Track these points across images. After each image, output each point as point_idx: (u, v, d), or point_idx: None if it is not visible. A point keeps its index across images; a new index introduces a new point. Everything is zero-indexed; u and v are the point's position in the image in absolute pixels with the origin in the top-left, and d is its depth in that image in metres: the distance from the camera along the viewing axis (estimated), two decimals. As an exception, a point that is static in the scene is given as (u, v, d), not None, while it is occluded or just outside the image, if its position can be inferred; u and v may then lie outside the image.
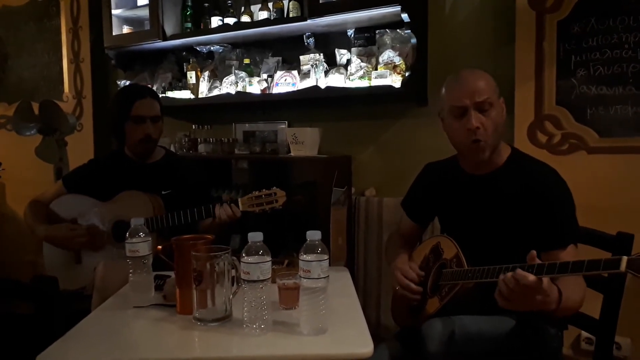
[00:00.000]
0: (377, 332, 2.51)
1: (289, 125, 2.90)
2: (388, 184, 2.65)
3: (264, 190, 1.88)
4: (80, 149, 3.31)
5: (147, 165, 2.16)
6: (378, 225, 2.58)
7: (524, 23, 2.19)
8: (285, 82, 2.66)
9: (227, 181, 3.05)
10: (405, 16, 2.26)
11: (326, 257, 1.21)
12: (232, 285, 1.33)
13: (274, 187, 1.88)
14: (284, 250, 2.07)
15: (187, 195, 2.10)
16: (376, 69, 2.45)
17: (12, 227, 3.79)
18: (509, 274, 1.20)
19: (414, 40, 2.37)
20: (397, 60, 2.41)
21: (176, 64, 3.20)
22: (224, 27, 2.81)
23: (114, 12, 3.18)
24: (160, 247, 1.52)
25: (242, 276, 1.21)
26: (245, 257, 1.21)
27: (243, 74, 2.79)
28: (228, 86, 2.81)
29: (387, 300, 2.45)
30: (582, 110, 2.12)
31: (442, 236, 1.62)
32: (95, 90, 3.60)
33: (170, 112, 3.01)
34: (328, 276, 1.21)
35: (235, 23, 2.80)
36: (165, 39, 2.95)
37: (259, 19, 2.72)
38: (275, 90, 2.68)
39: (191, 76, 2.99)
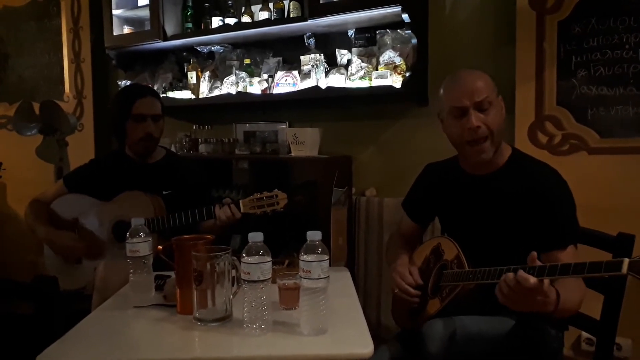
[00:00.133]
0: (377, 333, 2.51)
1: (290, 126, 2.90)
2: (388, 184, 2.65)
3: (265, 192, 1.88)
4: (81, 149, 3.31)
5: (148, 166, 2.16)
6: (378, 225, 2.58)
7: (525, 23, 2.19)
8: (286, 83, 2.66)
9: (227, 181, 3.05)
10: (405, 16, 2.25)
11: (326, 257, 1.21)
12: (233, 285, 1.33)
13: (275, 189, 1.88)
14: (285, 250, 2.07)
15: (187, 195, 2.10)
16: (377, 69, 2.45)
17: (12, 227, 3.79)
18: (511, 275, 1.19)
19: (414, 41, 2.37)
20: (398, 60, 2.41)
21: (177, 64, 3.20)
22: (225, 28, 2.81)
23: (115, 12, 3.18)
24: (160, 247, 1.52)
25: (243, 276, 1.21)
26: (246, 257, 1.21)
27: (244, 74, 2.79)
28: (229, 86, 2.81)
29: (387, 301, 2.45)
30: (583, 110, 2.11)
31: (443, 237, 1.62)
32: (95, 90, 3.60)
33: (171, 112, 3.01)
34: (328, 276, 1.21)
35: (235, 23, 2.80)
36: (165, 39, 2.95)
37: (260, 19, 2.72)
38: (276, 90, 2.68)
39: (192, 76, 2.99)
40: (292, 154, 2.57)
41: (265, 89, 2.72)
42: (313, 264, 1.19)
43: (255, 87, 2.73)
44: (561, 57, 2.14)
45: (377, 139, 2.69)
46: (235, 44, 2.96)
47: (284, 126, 2.91)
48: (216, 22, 2.86)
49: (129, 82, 3.14)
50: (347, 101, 2.67)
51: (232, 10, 2.87)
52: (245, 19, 2.76)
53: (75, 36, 3.60)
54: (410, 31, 2.33)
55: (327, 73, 2.58)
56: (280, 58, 2.84)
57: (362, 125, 2.73)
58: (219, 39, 2.90)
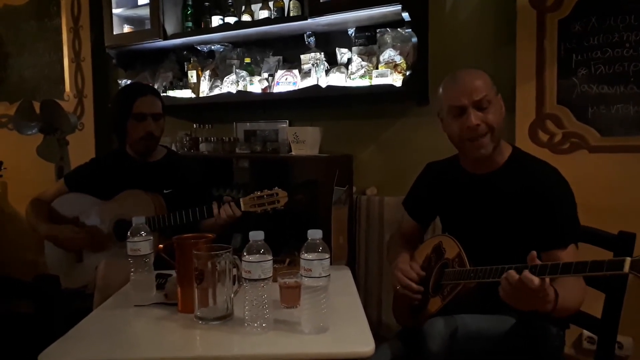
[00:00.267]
0: (378, 331, 2.51)
1: (290, 124, 2.90)
2: (389, 182, 2.65)
3: (265, 190, 1.88)
4: (82, 148, 3.31)
5: (149, 164, 2.16)
6: (379, 224, 2.58)
7: (525, 22, 2.19)
8: (286, 81, 2.66)
9: (228, 180, 3.05)
10: (406, 15, 2.25)
11: (327, 256, 1.21)
12: (234, 284, 1.33)
13: (276, 188, 1.88)
14: (285, 249, 2.07)
15: (188, 194, 2.10)
16: (377, 68, 2.45)
17: (13, 226, 3.78)
18: (515, 274, 1.19)
19: (414, 40, 2.36)
20: (398, 59, 2.41)
21: (177, 63, 3.20)
22: (225, 27, 2.81)
23: (115, 11, 3.18)
24: (161, 245, 1.52)
25: (244, 275, 1.21)
26: (247, 256, 1.21)
27: (244, 73, 2.79)
28: (229, 85, 2.81)
29: (388, 299, 2.45)
30: (584, 109, 2.11)
31: (444, 235, 1.62)
32: (96, 89, 3.60)
33: (171, 111, 3.00)
34: (329, 275, 1.21)
35: (236, 22, 2.80)
36: (166, 38, 2.95)
37: (260, 18, 2.72)
38: (276, 89, 2.68)
39: (192, 75, 2.99)
40: (293, 153, 2.57)
41: (266, 87, 2.72)
42: (314, 263, 1.19)
43: (256, 86, 2.73)
44: (562, 55, 2.14)
45: (377, 137, 2.69)
46: (235, 43, 2.96)
47: (284, 125, 2.91)
48: (216, 21, 2.86)
49: (129, 81, 3.15)
50: (347, 100, 2.67)
51: (232, 9, 2.87)
52: (246, 17, 2.76)
53: (76, 35, 3.60)
54: (410, 30, 2.33)
55: (327, 72, 2.58)
56: (281, 57, 2.84)
57: (363, 124, 2.73)
58: (219, 37, 2.90)
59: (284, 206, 1.87)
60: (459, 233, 1.58)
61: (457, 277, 1.45)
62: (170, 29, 2.96)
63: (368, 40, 2.57)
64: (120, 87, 3.06)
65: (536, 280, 1.16)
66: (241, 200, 1.89)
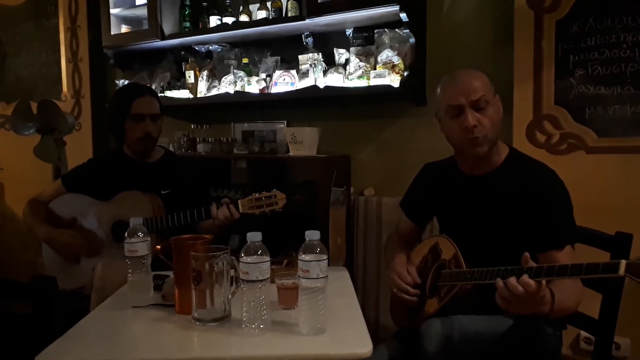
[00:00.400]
0: (376, 332, 2.51)
1: (288, 125, 2.90)
2: (387, 183, 2.65)
3: (264, 192, 1.88)
4: (79, 148, 3.31)
5: (147, 165, 2.16)
6: (377, 224, 2.58)
7: (523, 23, 2.19)
8: (284, 82, 2.65)
9: (226, 181, 3.04)
10: (403, 16, 2.26)
11: (325, 257, 1.21)
12: (231, 285, 1.33)
13: (274, 190, 1.88)
14: (283, 250, 2.07)
15: (186, 195, 2.10)
16: (375, 69, 2.45)
17: (11, 227, 3.79)
18: (513, 281, 1.19)
19: (412, 40, 2.37)
20: (396, 59, 2.41)
21: (175, 63, 3.20)
22: (223, 27, 2.81)
23: (112, 11, 3.17)
24: (159, 247, 1.51)
25: (241, 276, 1.21)
26: (244, 257, 1.21)
27: (242, 73, 2.79)
28: (227, 86, 2.81)
29: (386, 300, 2.45)
30: (581, 110, 2.12)
31: (441, 236, 1.62)
32: (93, 89, 3.59)
33: (169, 112, 3.01)
34: (327, 276, 1.21)
35: (233, 22, 2.79)
36: (163, 38, 2.95)
37: (258, 18, 2.71)
38: (274, 89, 2.68)
39: (190, 76, 2.99)
40: (291, 154, 2.57)
41: (264, 88, 2.72)
42: (312, 264, 1.19)
43: (254, 86, 2.73)
44: (559, 56, 2.14)
45: (375, 138, 2.69)
46: (233, 43, 2.96)
47: (282, 125, 2.91)
48: (214, 21, 2.85)
49: (126, 82, 3.14)
50: (345, 100, 2.67)
51: (230, 10, 2.87)
52: (243, 18, 2.76)
53: (73, 35, 3.59)
54: (408, 30, 2.33)
55: (325, 72, 2.58)
56: (279, 57, 2.84)
57: (361, 124, 2.73)
58: (216, 38, 2.90)
59: (282, 208, 1.87)
60: (456, 234, 1.58)
61: (454, 278, 1.45)
62: (167, 29, 2.96)
63: (366, 40, 2.57)
64: (117, 88, 3.05)
65: (533, 283, 1.16)
66: (239, 202, 1.89)
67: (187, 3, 2.98)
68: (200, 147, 2.90)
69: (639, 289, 1.24)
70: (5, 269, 3.57)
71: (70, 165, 2.78)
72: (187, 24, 2.97)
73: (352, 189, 2.67)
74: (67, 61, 3.63)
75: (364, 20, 2.48)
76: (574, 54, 2.12)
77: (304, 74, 2.60)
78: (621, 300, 1.43)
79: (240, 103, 2.83)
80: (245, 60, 2.85)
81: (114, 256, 1.97)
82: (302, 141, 2.51)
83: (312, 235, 1.23)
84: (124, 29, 3.22)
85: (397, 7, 2.23)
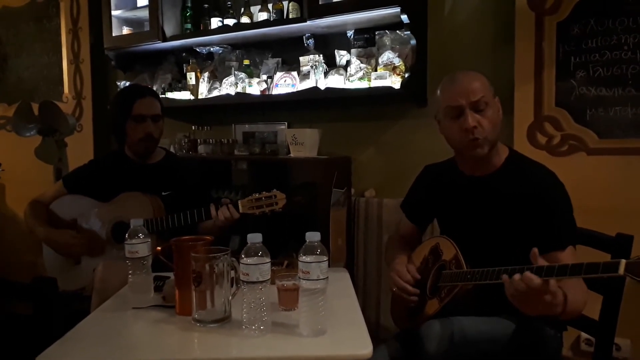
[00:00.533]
0: (376, 333, 2.51)
1: (289, 126, 2.90)
2: (388, 184, 2.65)
3: (264, 192, 1.88)
4: (80, 149, 3.31)
5: (148, 166, 2.16)
6: (378, 226, 2.58)
7: (524, 24, 2.19)
8: (285, 83, 2.66)
9: (226, 182, 3.04)
10: (404, 17, 2.26)
11: (325, 258, 1.21)
12: (232, 286, 1.33)
13: (274, 190, 1.88)
14: (284, 251, 2.07)
15: (187, 196, 2.10)
16: (376, 70, 2.45)
17: (12, 228, 3.79)
18: (517, 277, 1.19)
19: (413, 42, 2.37)
20: (397, 61, 2.41)
21: (176, 65, 3.20)
22: (224, 28, 2.81)
23: (114, 13, 3.18)
24: (159, 248, 1.52)
25: (242, 277, 1.21)
26: (245, 258, 1.21)
27: (243, 75, 2.79)
28: (228, 87, 2.81)
29: (386, 301, 2.45)
30: (582, 111, 2.12)
31: (441, 237, 1.62)
32: (95, 91, 3.59)
33: (170, 113, 3.01)
34: (327, 277, 1.21)
35: (235, 24, 2.80)
36: (165, 40, 2.95)
37: (259, 20, 2.72)
38: (275, 91, 2.68)
39: (191, 77, 2.99)
40: (291, 155, 2.57)
41: (265, 89, 2.72)
42: (312, 265, 1.19)
43: (255, 87, 2.74)
44: (560, 58, 2.14)
45: (376, 139, 2.69)
46: (234, 45, 2.96)
47: (283, 127, 2.91)
48: (215, 22, 2.86)
49: (128, 83, 3.15)
50: (346, 102, 2.67)
51: (231, 11, 2.87)
52: (245, 19, 2.76)
53: (75, 37, 3.60)
54: (409, 32, 2.33)
55: (326, 74, 2.58)
56: (280, 59, 2.84)
57: (361, 126, 2.73)
58: (218, 39, 2.90)
59: (282, 208, 1.87)
60: (456, 235, 1.58)
61: (454, 279, 1.45)
62: (169, 30, 2.96)
63: (367, 42, 2.57)
64: (119, 89, 3.06)
65: (537, 279, 1.16)
66: (239, 202, 1.89)
67: (189, 5, 2.98)
68: (201, 149, 2.91)
69: (640, 290, 1.24)
70: (6, 269, 3.57)
71: (71, 166, 2.78)
72: (189, 26, 2.98)
73: (352, 190, 2.67)
74: (69, 62, 3.64)
75: (365, 21, 2.48)
76: (575, 55, 2.11)
77: (305, 76, 2.60)
78: (622, 301, 1.43)
79: (241, 104, 2.83)
80: (246, 62, 2.86)
81: (115, 257, 1.97)
82: (303, 142, 2.51)
83: (313, 236, 1.23)
84: (126, 30, 3.22)
85: (398, 9, 2.23)
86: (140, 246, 1.46)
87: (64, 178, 2.25)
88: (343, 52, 2.61)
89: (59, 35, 3.65)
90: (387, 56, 2.43)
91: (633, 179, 2.03)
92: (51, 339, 1.22)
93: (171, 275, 1.47)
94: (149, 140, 2.09)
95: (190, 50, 3.08)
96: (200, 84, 2.96)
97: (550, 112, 2.17)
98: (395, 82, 2.37)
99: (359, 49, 2.57)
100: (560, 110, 2.15)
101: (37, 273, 2.17)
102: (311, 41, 2.67)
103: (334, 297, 1.31)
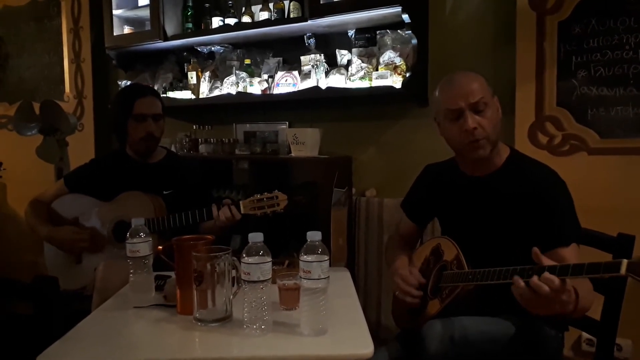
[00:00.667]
0: (377, 333, 2.51)
1: (290, 126, 2.90)
2: (389, 184, 2.65)
3: (265, 193, 1.88)
4: (81, 149, 3.31)
5: (149, 165, 2.16)
6: (378, 225, 2.58)
7: (525, 24, 2.19)
8: (286, 83, 2.66)
9: (228, 182, 3.05)
10: (405, 17, 2.26)
11: (326, 257, 1.21)
12: (233, 285, 1.33)
13: (276, 190, 1.88)
14: (285, 250, 2.07)
15: (188, 195, 2.10)
16: (377, 70, 2.45)
17: (13, 227, 3.78)
18: (535, 279, 1.16)
19: (414, 41, 2.37)
20: (398, 60, 2.41)
21: (177, 64, 3.20)
22: (225, 28, 2.81)
23: (115, 12, 3.18)
24: (160, 247, 1.52)
25: (243, 277, 1.21)
26: (246, 258, 1.21)
27: (244, 74, 2.79)
28: (229, 86, 2.81)
29: (387, 301, 2.45)
30: (583, 111, 2.11)
31: (443, 237, 1.62)
32: (96, 90, 3.60)
33: (171, 113, 3.00)
34: (328, 277, 1.21)
35: (236, 23, 2.80)
36: (166, 39, 2.95)
37: (260, 19, 2.72)
38: (276, 90, 2.68)
39: (192, 76, 2.99)
40: (293, 155, 2.57)
41: (266, 89, 2.72)
42: (313, 265, 1.19)
43: (256, 87, 2.73)
44: (561, 57, 2.14)
45: (377, 139, 2.69)
46: (235, 44, 2.96)
47: (284, 126, 2.91)
48: (216, 22, 2.86)
49: (129, 82, 3.15)
50: (347, 101, 2.67)
51: (232, 11, 2.87)
52: (246, 19, 2.76)
53: (76, 36, 3.61)
54: (410, 32, 2.33)
55: (327, 73, 2.58)
56: (281, 58, 2.84)
57: (362, 125, 2.73)
58: (219, 39, 2.90)
59: (283, 209, 1.87)
60: (457, 235, 1.58)
61: (456, 279, 1.45)
62: (170, 30, 2.96)
63: (368, 41, 2.57)
64: (120, 88, 3.06)
65: (557, 280, 1.14)
66: (241, 203, 1.89)
67: (190, 4, 2.98)
68: (202, 148, 2.91)
69: (641, 290, 1.23)
70: (7, 269, 3.57)
71: (72, 165, 2.78)
72: (190, 25, 2.98)
73: (353, 190, 2.67)
74: (70, 62, 3.64)
75: (366, 21, 2.48)
76: (577, 55, 2.11)
77: (306, 75, 2.60)
78: (623, 301, 1.43)
79: (242, 104, 2.83)
80: (247, 61, 2.86)
81: (116, 257, 1.97)
82: (304, 142, 2.51)
83: (314, 236, 1.23)
84: (127, 29, 3.22)
85: (399, 9, 2.23)
86: (141, 245, 1.46)
87: (65, 177, 2.25)
88: (344, 52, 2.61)
89: (60, 34, 3.66)
90: (388, 56, 2.43)
91: (634, 179, 2.03)
92: (52, 338, 1.22)
93: (172, 274, 1.47)
94: (150, 140, 2.09)
95: (191, 49, 3.08)
96: (201, 83, 2.96)
97: (551, 111, 2.17)
98: (396, 81, 2.37)
99: (360, 49, 2.57)
100: (561, 110, 2.15)
101: (38, 272, 2.17)
102: (312, 40, 2.67)
103: (335, 297, 1.31)
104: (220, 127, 3.09)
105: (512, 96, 2.21)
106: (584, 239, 1.51)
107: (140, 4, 3.17)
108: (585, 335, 2.12)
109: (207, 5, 2.94)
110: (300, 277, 1.21)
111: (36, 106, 2.97)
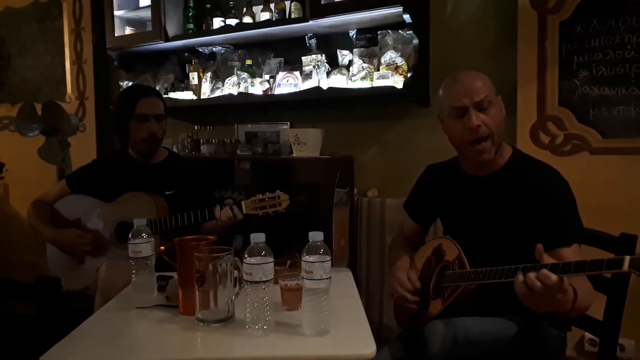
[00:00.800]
0: (379, 333, 2.51)
1: (291, 126, 2.90)
2: (390, 184, 2.65)
3: (267, 193, 1.88)
4: (83, 149, 3.32)
5: (151, 166, 2.16)
6: (380, 226, 2.58)
7: (526, 24, 2.19)
8: (288, 83, 2.66)
9: (229, 182, 3.05)
10: (407, 17, 2.26)
11: (328, 258, 1.21)
12: (235, 286, 1.33)
13: (278, 191, 1.88)
14: (287, 251, 2.07)
15: (190, 196, 2.10)
16: (378, 70, 2.45)
17: (15, 228, 3.80)
18: (532, 275, 1.18)
19: (415, 41, 2.37)
20: (399, 61, 2.41)
21: (178, 65, 3.21)
22: (226, 28, 2.81)
23: (116, 13, 3.18)
24: (163, 247, 1.52)
25: (245, 277, 1.21)
26: (248, 258, 1.21)
27: (245, 74, 2.79)
28: (230, 87, 2.81)
29: (389, 301, 2.45)
30: (585, 111, 2.11)
31: (444, 238, 1.62)
32: (97, 91, 3.60)
33: (173, 113, 3.01)
34: (330, 277, 1.21)
35: (237, 24, 2.80)
36: (167, 40, 2.95)
37: (261, 20, 2.72)
38: (278, 91, 2.68)
39: (193, 77, 2.99)
40: (294, 155, 2.57)
41: (267, 89, 2.72)
42: (315, 265, 1.19)
43: (257, 87, 2.74)
44: (563, 57, 2.14)
45: (378, 139, 2.69)
46: (236, 45, 2.96)
47: (285, 127, 2.92)
48: (217, 22, 2.86)
49: (130, 83, 3.15)
50: (348, 102, 2.67)
51: (233, 11, 2.87)
52: (247, 19, 2.76)
53: (77, 37, 3.61)
54: (411, 32, 2.33)
55: (328, 73, 2.58)
56: (282, 59, 2.84)
57: (364, 125, 2.73)
58: (220, 39, 2.90)
59: (285, 210, 1.87)
60: (459, 235, 1.58)
61: (457, 279, 1.45)
62: (171, 30, 2.97)
63: (369, 42, 2.57)
64: (122, 89, 3.07)
65: (553, 276, 1.14)
66: (243, 203, 1.89)
67: (191, 5, 2.98)
68: (203, 149, 2.91)
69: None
70: (9, 269, 3.58)
71: (74, 166, 2.79)
72: (191, 26, 2.98)
73: (355, 190, 2.67)
74: (72, 63, 3.65)
75: (367, 21, 2.48)
76: (578, 54, 2.11)
77: (307, 75, 2.60)
78: (626, 301, 1.42)
79: (243, 104, 2.83)
80: (248, 62, 2.86)
81: (118, 257, 1.97)
82: (306, 142, 2.51)
83: (316, 236, 1.22)
84: (128, 30, 3.23)
85: (400, 9, 2.23)
86: (143, 246, 1.46)
87: (67, 177, 2.25)
88: (345, 52, 2.61)
89: (62, 35, 3.66)
90: (390, 56, 2.43)
91: (636, 179, 2.03)
92: (54, 339, 1.22)
93: (174, 275, 1.47)
94: (152, 140, 2.10)
95: (192, 50, 3.09)
96: (202, 83, 2.96)
97: (553, 111, 2.17)
98: (397, 81, 2.37)
99: (362, 49, 2.57)
100: (563, 109, 2.15)
101: (40, 273, 2.18)
102: (313, 41, 2.67)
103: (337, 297, 1.30)
104: (221, 127, 3.09)
105: (514, 96, 2.20)
106: (587, 238, 1.51)
107: (141, 5, 3.17)
108: (587, 335, 2.12)
109: (208, 5, 2.94)
110: (302, 277, 1.21)
111: (38, 107, 2.98)
